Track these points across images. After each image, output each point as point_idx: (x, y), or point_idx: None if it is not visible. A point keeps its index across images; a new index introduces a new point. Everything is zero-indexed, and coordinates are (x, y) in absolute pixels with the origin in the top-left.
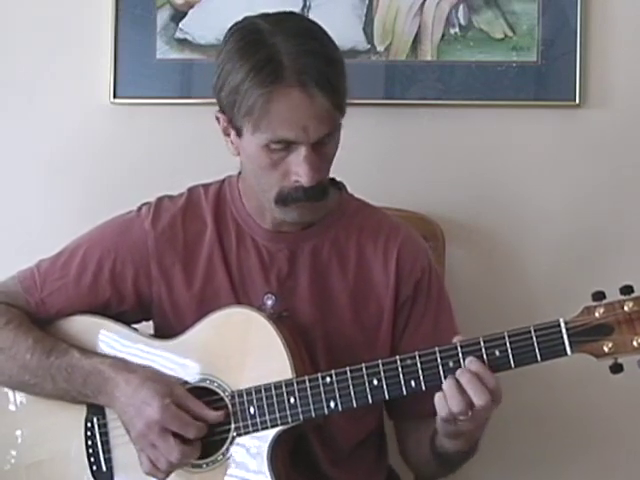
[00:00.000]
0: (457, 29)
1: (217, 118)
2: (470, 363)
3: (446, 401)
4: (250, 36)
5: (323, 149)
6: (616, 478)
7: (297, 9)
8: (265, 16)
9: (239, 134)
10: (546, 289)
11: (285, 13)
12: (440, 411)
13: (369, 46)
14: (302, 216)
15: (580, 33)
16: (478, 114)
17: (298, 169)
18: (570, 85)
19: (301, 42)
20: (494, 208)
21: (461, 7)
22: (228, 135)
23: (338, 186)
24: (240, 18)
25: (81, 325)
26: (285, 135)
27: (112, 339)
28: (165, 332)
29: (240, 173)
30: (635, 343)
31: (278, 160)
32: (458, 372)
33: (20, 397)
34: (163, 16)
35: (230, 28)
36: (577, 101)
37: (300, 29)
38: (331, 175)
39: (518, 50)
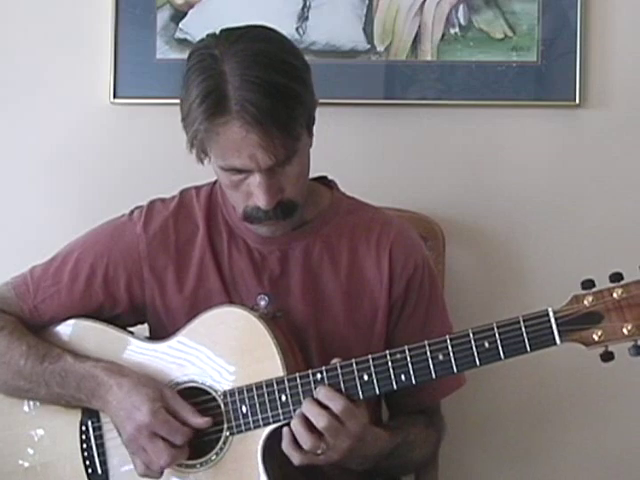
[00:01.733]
0: (457, 29)
1: None
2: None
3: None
4: (203, 62)
5: (284, 170)
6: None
7: (297, 9)
8: (224, 35)
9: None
10: (546, 289)
11: (244, 31)
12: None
13: (369, 46)
14: (272, 232)
15: (580, 33)
16: (478, 114)
17: (255, 193)
18: (570, 85)
19: (247, 71)
20: (494, 208)
21: (461, 7)
22: None
23: (329, 185)
24: (206, 34)
25: (75, 329)
26: (234, 164)
27: (106, 342)
28: (159, 334)
29: None
30: (625, 330)
31: (238, 182)
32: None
33: (20, 401)
34: (163, 16)
35: (193, 47)
36: (577, 101)
37: (250, 54)
38: (328, 174)
39: (518, 50)
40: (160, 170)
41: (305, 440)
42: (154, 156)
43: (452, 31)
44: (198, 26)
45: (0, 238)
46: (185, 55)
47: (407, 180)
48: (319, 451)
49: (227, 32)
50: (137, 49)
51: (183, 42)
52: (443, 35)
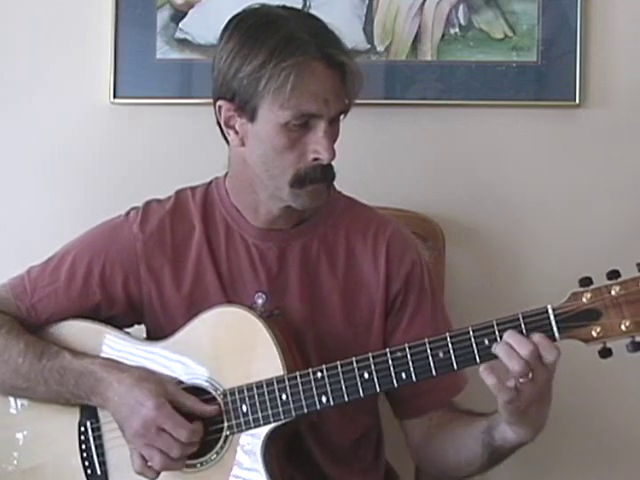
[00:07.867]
0: (457, 29)
1: (219, 108)
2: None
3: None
4: (263, 19)
5: (333, 130)
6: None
7: None
8: (263, 6)
9: (252, 118)
10: (546, 289)
11: (279, 5)
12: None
13: (369, 46)
14: (312, 200)
15: (580, 33)
16: (478, 114)
17: (317, 146)
18: (570, 85)
19: (313, 22)
20: (494, 208)
21: (461, 7)
22: (231, 127)
23: None
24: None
25: (73, 329)
26: (309, 109)
27: (104, 342)
28: (157, 334)
29: (227, 173)
30: (623, 327)
31: (295, 140)
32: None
33: (18, 401)
34: (163, 16)
35: (232, 19)
36: (577, 101)
37: (303, 12)
38: None
39: (518, 50)
40: (160, 170)
41: (514, 363)
42: (154, 156)
43: (452, 31)
44: (198, 26)
45: (0, 238)
46: (185, 55)
47: (407, 180)
48: (522, 380)
49: (263, 6)
50: (137, 49)
51: (183, 42)
52: (443, 35)
